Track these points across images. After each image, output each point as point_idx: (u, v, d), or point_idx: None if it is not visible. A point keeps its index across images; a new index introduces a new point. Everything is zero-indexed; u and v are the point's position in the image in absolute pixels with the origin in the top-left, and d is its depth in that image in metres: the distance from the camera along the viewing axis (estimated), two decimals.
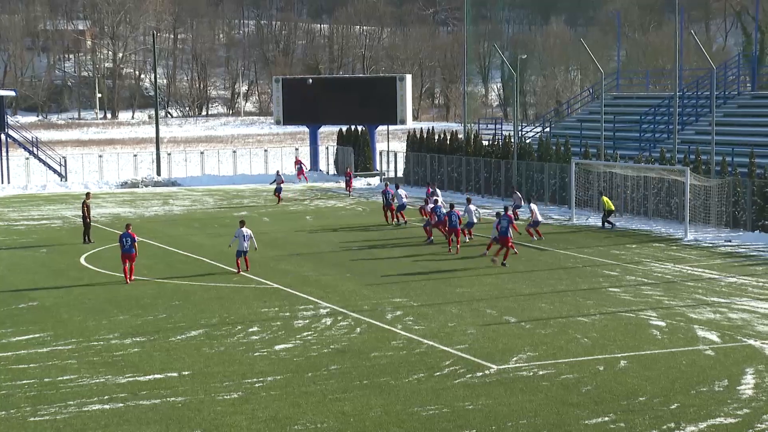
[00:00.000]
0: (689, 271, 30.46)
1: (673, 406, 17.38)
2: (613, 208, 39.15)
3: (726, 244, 36.05)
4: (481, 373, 19.47)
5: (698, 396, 17.94)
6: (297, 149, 71.58)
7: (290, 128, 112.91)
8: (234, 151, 72.08)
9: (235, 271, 30.44)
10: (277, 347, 21.72)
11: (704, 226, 39.37)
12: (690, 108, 52.46)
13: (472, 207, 36.47)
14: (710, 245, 35.78)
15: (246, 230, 30.50)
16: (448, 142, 57.41)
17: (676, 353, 20.85)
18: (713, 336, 22.33)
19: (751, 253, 33.92)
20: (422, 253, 34.05)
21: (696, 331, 22.84)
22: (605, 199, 39.54)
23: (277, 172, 54.22)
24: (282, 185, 52.25)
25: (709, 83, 49.27)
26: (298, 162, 63.81)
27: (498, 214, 31.91)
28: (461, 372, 19.60)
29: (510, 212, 32.03)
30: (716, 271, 30.54)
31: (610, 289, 27.71)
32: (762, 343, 21.62)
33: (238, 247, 30.30)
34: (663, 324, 23.52)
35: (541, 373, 19.46)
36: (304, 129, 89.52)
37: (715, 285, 28.42)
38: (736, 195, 38.73)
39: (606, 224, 39.47)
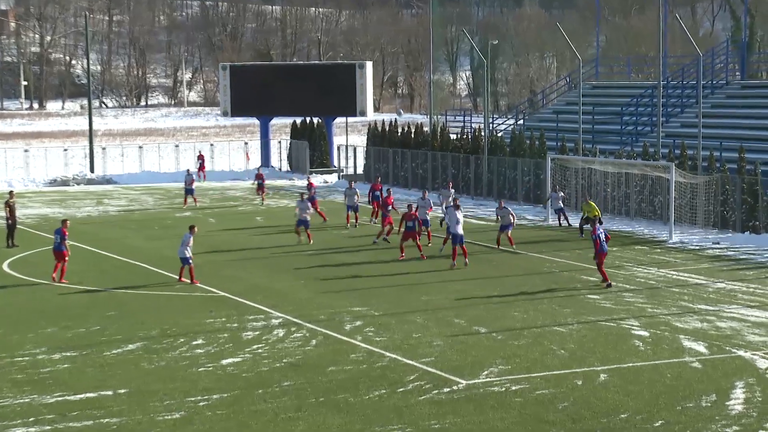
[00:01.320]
0: (674, 276, 30.74)
1: (657, 424, 17.52)
2: (597, 214, 36.61)
3: (714, 246, 36.45)
4: (448, 389, 19.51)
5: (684, 412, 18.10)
6: (246, 143, 71.39)
7: (239, 120, 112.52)
8: (176, 146, 71.68)
9: (176, 278, 30.24)
10: (224, 362, 21.63)
11: (690, 227, 39.78)
12: (675, 98, 52.99)
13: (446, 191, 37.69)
14: (697, 248, 36.16)
15: (188, 235, 29.94)
16: (412, 136, 57.50)
17: (660, 366, 21.03)
18: (700, 347, 22.55)
19: (741, 257, 34.33)
20: (385, 259, 34.07)
21: (682, 341, 23.06)
22: (592, 204, 37.69)
23: (188, 171, 51.01)
24: (194, 186, 48.97)
25: (696, 71, 49.80)
26: (201, 157, 63.20)
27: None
28: (427, 387, 19.62)
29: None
30: (703, 276, 30.87)
31: (589, 296, 27.90)
32: (753, 354, 21.88)
33: (180, 253, 29.86)
34: (646, 334, 23.71)
35: (514, 388, 19.53)
36: (254, 121, 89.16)
37: (702, 291, 28.72)
38: (725, 193, 39.17)
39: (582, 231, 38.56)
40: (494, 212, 40.47)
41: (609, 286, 28.18)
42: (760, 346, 22.47)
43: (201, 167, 62.02)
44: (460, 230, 31.96)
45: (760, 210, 37.85)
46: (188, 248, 29.66)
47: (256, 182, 51.95)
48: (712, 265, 32.78)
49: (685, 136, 45.40)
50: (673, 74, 56.59)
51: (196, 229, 30.51)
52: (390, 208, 37.78)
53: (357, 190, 41.74)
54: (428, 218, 36.88)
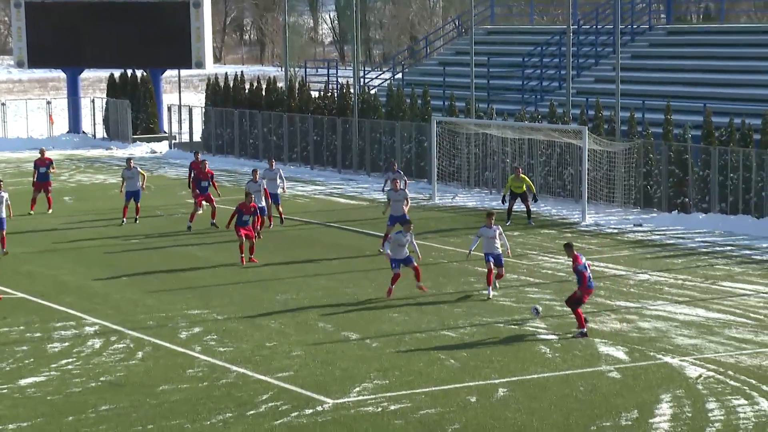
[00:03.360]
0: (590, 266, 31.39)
1: None
2: (524, 190, 37.02)
3: (635, 229, 37.31)
4: (311, 410, 19.57)
5: None
6: (49, 102, 70.03)
7: (39, 73, 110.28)
8: None
9: None
10: (23, 382, 21.28)
11: (607, 205, 40.64)
12: (588, 47, 53.96)
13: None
14: (615, 231, 36.99)
15: None
16: (263, 94, 57.29)
17: (571, 377, 21.48)
18: (619, 353, 23.11)
19: (668, 241, 35.27)
20: (231, 249, 33.91)
21: (597, 346, 23.59)
22: (525, 178, 37.39)
23: None
24: None
25: (613, 14, 50.77)
26: None
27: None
28: (284, 409, 19.66)
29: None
30: (623, 266, 31.61)
31: (485, 291, 28.28)
32: (681, 360, 22.54)
33: None
34: (554, 338, 24.18)
35: (392, 408, 19.70)
36: (60, 74, 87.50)
37: (621, 284, 29.42)
38: (648, 164, 40.11)
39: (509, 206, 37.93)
40: (384, 180, 38.67)
41: (584, 335, 24.23)
42: (690, 351, 23.16)
43: None
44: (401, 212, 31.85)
45: (691, 184, 38.89)
46: None
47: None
48: (634, 253, 33.58)
49: (600, 94, 46.25)
50: (586, 17, 57.55)
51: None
52: (209, 184, 37.50)
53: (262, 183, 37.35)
54: (278, 194, 36.79)
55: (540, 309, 25.66)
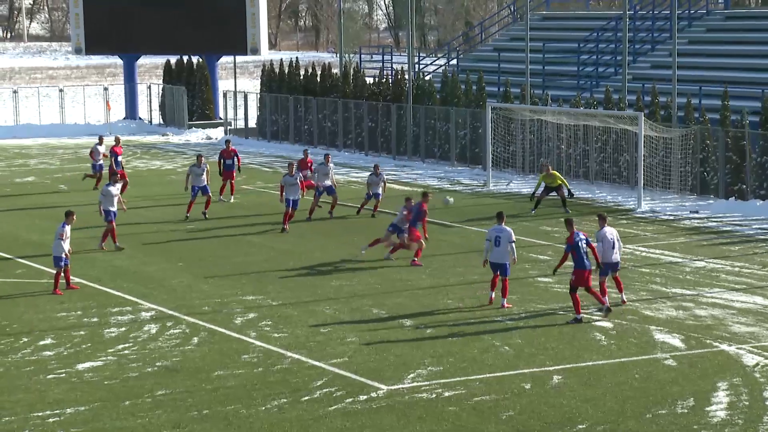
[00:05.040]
0: (644, 254, 31.23)
1: None
2: (557, 183, 36.91)
3: (691, 216, 37.08)
4: (365, 397, 19.60)
5: (656, 421, 18.45)
6: (106, 89, 70.50)
7: (96, 59, 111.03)
8: (14, 92, 70.44)
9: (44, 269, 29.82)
10: (81, 366, 21.43)
11: (663, 192, 40.40)
12: (644, 32, 53.63)
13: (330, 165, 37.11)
14: (671, 218, 36.76)
15: (63, 225, 27.34)
16: (318, 80, 57.36)
17: (626, 364, 21.38)
18: (675, 340, 22.98)
19: (725, 228, 35.00)
20: (282, 235, 34.03)
21: (653, 333, 23.46)
22: (556, 174, 37.40)
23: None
24: None
25: None
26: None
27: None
28: (338, 395, 19.70)
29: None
30: (679, 253, 31.41)
31: (540, 279, 28.21)
32: (738, 348, 22.37)
33: (55, 251, 27.32)
34: (609, 325, 24.08)
35: (446, 394, 19.70)
36: (117, 61, 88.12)
37: (677, 271, 29.23)
38: (705, 150, 39.82)
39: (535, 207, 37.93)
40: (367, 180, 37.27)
41: (608, 310, 24.45)
42: (746, 339, 22.98)
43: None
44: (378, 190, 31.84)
45: (748, 171, 38.57)
46: (64, 242, 27.07)
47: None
48: (690, 240, 33.36)
49: (656, 80, 45.97)
50: (642, 2, 57.20)
51: (74, 216, 27.89)
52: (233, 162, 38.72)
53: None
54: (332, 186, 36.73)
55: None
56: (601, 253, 24.80)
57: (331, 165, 37.44)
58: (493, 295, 25.60)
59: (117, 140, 42.59)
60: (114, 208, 31.79)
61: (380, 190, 36.46)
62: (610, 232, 25.17)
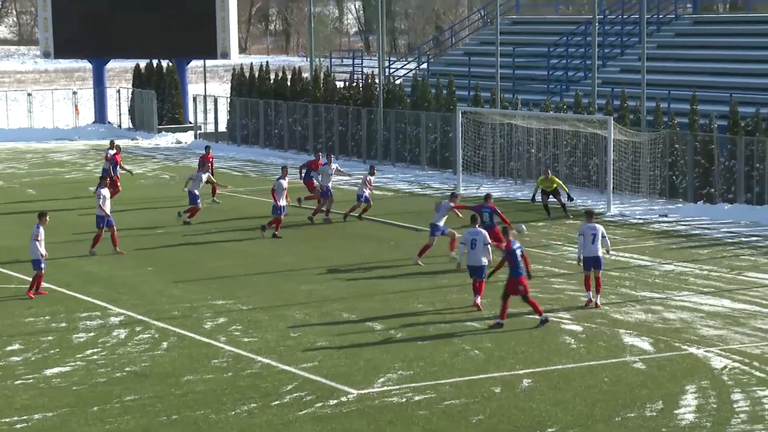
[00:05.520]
0: (613, 257, 31.33)
1: None
2: (554, 188, 36.72)
3: (660, 219, 37.23)
4: (335, 401, 19.60)
5: (625, 424, 18.52)
6: (75, 93, 70.25)
7: (65, 63, 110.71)
8: None
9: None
10: (49, 372, 21.38)
11: (632, 195, 40.54)
12: (613, 37, 53.81)
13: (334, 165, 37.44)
14: (640, 221, 36.90)
15: (37, 227, 27.26)
16: (288, 84, 57.33)
17: (595, 368, 21.45)
18: (644, 344, 23.07)
19: (693, 232, 35.16)
20: (254, 237, 33.99)
21: (622, 337, 23.54)
22: (555, 179, 37.12)
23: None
24: None
25: (638, 4, 50.58)
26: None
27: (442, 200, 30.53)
28: (309, 400, 19.69)
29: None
30: (648, 257, 31.53)
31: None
32: (706, 351, 22.47)
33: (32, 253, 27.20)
34: (579, 329, 24.15)
35: (417, 398, 19.72)
36: (86, 65, 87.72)
37: (646, 275, 29.34)
38: (674, 154, 39.99)
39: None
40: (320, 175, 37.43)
41: (545, 321, 24.22)
42: (715, 342, 23.10)
43: None
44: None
45: (716, 174, 38.76)
46: (40, 243, 26.94)
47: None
48: (659, 243, 33.49)
49: (625, 84, 46.13)
50: (611, 6, 57.41)
51: (47, 217, 27.69)
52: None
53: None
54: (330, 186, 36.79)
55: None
56: (582, 248, 25.61)
57: (335, 165, 37.49)
58: (479, 300, 25.57)
59: (118, 148, 42.50)
60: (102, 214, 31.69)
61: (329, 183, 36.62)
62: (593, 227, 25.73)
